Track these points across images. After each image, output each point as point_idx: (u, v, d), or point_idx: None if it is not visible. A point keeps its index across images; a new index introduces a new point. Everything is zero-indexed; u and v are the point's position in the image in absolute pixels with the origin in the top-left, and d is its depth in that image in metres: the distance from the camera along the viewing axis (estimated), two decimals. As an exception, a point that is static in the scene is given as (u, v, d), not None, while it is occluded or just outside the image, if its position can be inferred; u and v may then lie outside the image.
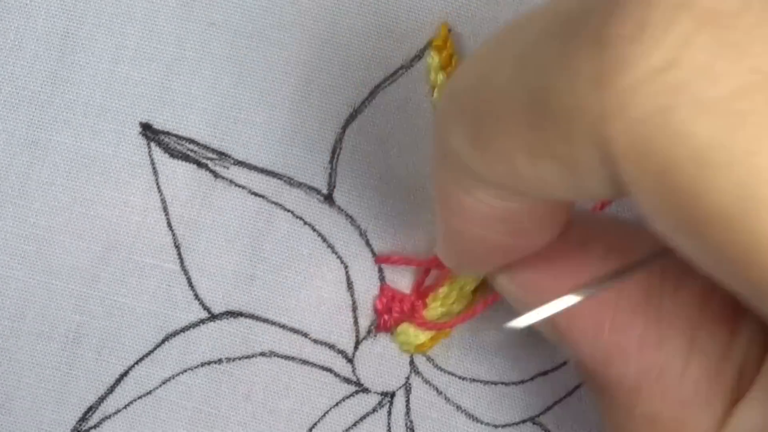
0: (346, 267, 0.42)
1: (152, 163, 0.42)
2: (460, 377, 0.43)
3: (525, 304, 0.36)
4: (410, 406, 0.43)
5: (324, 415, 0.43)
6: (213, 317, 0.42)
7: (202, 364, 0.43)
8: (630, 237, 0.36)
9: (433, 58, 0.42)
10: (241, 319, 0.43)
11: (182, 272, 0.42)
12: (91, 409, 0.43)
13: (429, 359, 0.43)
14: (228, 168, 0.42)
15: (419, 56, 0.42)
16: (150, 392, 0.43)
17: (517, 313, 0.35)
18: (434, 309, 0.42)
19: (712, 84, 0.23)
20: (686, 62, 0.23)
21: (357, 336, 0.43)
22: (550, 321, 0.36)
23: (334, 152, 0.42)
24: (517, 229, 0.33)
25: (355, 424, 0.43)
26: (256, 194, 0.42)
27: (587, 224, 0.37)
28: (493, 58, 0.29)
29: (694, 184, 0.24)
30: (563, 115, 0.26)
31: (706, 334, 0.34)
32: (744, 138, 0.23)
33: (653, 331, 0.34)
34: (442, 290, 0.42)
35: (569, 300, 0.34)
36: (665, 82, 0.24)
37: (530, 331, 0.43)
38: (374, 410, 0.43)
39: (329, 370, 0.43)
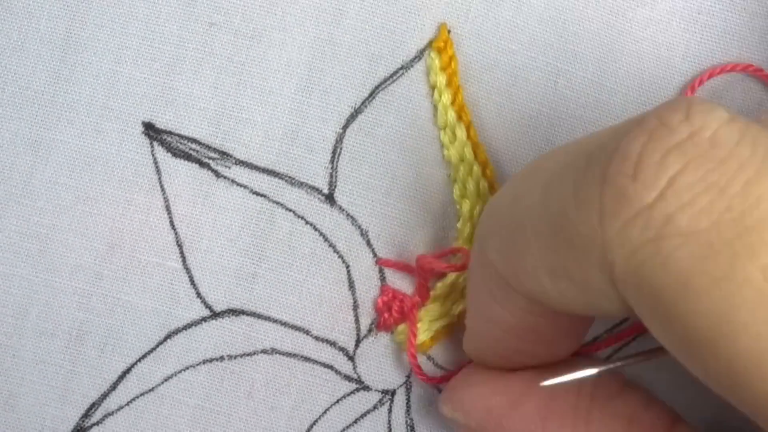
0: (347, 266, 0.43)
1: (155, 162, 0.42)
2: (460, 376, 0.43)
3: (464, 424, 0.39)
4: (411, 404, 0.43)
5: (325, 412, 0.43)
6: (215, 315, 0.43)
7: (204, 362, 0.43)
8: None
9: (433, 59, 0.42)
10: (243, 316, 0.43)
11: (184, 270, 0.43)
12: (93, 406, 0.43)
13: (429, 358, 0.43)
14: (229, 167, 0.42)
15: (419, 56, 0.42)
16: (152, 389, 0.43)
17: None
18: (434, 309, 0.42)
19: (694, 218, 0.26)
20: (672, 198, 0.27)
21: (358, 334, 0.43)
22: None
23: (334, 152, 0.42)
24: (541, 339, 0.36)
25: (355, 422, 0.43)
26: (257, 194, 0.42)
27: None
28: (526, 182, 0.32)
29: (680, 307, 0.27)
30: (577, 243, 0.29)
31: None
32: (717, 266, 0.26)
33: None
34: (443, 291, 0.42)
35: (587, 372, 0.37)
36: (655, 215, 0.27)
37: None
38: (375, 408, 0.43)
39: (330, 367, 0.43)
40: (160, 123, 0.42)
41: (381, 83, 0.42)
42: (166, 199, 0.42)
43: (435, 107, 0.42)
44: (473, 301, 0.37)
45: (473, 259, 0.36)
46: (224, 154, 0.42)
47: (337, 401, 0.43)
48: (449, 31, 0.42)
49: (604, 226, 0.28)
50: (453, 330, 0.43)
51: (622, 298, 0.29)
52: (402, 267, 0.42)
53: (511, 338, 0.36)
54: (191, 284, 0.43)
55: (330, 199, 0.42)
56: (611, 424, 0.36)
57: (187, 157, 0.42)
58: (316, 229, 0.43)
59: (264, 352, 0.43)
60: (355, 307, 0.43)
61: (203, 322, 0.43)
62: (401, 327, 0.42)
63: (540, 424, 0.36)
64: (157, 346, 0.43)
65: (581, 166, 0.29)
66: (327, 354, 0.43)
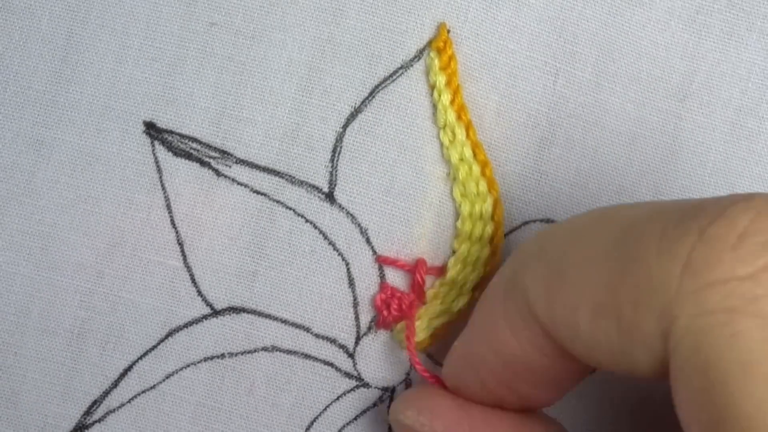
0: (347, 264, 0.43)
1: (156, 162, 0.43)
2: (459, 373, 0.43)
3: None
4: (410, 401, 0.43)
5: (325, 409, 0.43)
6: (216, 313, 0.43)
7: (205, 359, 0.43)
8: None
9: (432, 59, 0.42)
10: (244, 314, 0.43)
11: (185, 269, 0.43)
12: (95, 403, 0.43)
13: (429, 356, 0.43)
14: (230, 166, 0.43)
15: (419, 56, 0.42)
16: (154, 387, 0.43)
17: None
18: (434, 307, 0.42)
19: None
20: (765, 282, 0.27)
21: (358, 331, 0.43)
22: None
23: (334, 151, 0.43)
24: (535, 381, 0.36)
25: (355, 419, 0.43)
26: (257, 192, 0.43)
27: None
28: (594, 223, 0.32)
29: (732, 385, 0.26)
30: (644, 287, 0.29)
31: None
32: None
33: None
34: (443, 289, 0.42)
35: None
36: (742, 289, 0.27)
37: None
38: (375, 405, 0.43)
39: (330, 364, 0.43)
40: (161, 122, 0.42)
41: (381, 83, 0.42)
42: (166, 198, 0.43)
43: (434, 106, 0.42)
44: (481, 324, 0.36)
45: (497, 283, 0.36)
46: (225, 153, 0.42)
47: (338, 398, 0.43)
48: (449, 31, 0.42)
49: (683, 280, 0.28)
50: (452, 328, 0.43)
51: (663, 355, 0.29)
52: (401, 265, 0.43)
53: (508, 373, 0.35)
54: (192, 282, 0.43)
55: (330, 197, 0.43)
56: None
57: (188, 156, 0.42)
58: (316, 227, 0.43)
59: (264, 349, 0.43)
60: (355, 304, 0.43)
61: (204, 320, 0.43)
62: (400, 325, 0.43)
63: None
64: (159, 343, 0.43)
65: (673, 218, 0.29)
66: (327, 351, 0.43)
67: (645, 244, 0.29)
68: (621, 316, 0.30)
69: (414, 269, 0.42)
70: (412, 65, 0.42)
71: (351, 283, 0.43)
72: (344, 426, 0.43)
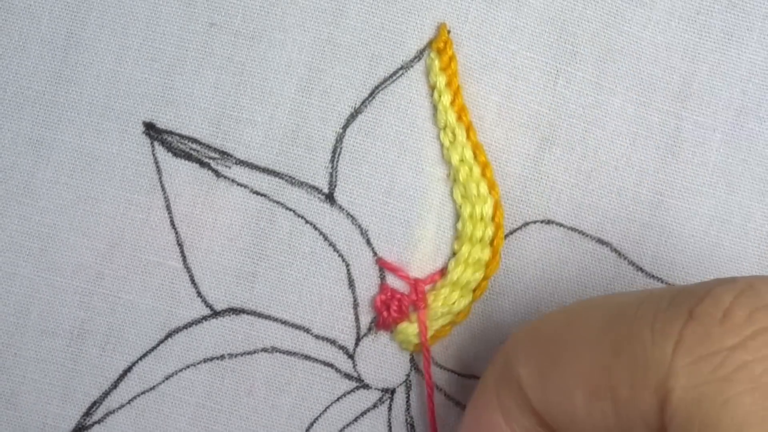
0: (347, 265, 0.43)
1: (155, 162, 0.43)
2: (459, 374, 0.43)
3: None
4: (410, 402, 0.43)
5: (325, 410, 0.43)
6: (215, 314, 0.43)
7: (205, 360, 0.43)
8: None
9: (432, 60, 0.42)
10: (243, 315, 0.43)
11: (185, 270, 0.43)
12: (95, 404, 0.43)
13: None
14: (230, 167, 0.42)
15: (419, 57, 0.42)
16: (153, 388, 0.43)
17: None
18: (435, 309, 0.42)
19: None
20: (752, 349, 0.29)
21: (358, 332, 0.43)
22: None
23: (334, 152, 0.42)
24: None
25: (355, 420, 0.43)
26: (257, 193, 0.43)
27: None
28: (583, 312, 0.35)
29: None
30: (641, 364, 0.31)
31: None
32: None
33: None
34: (444, 290, 0.42)
35: None
36: (732, 358, 0.30)
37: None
38: (375, 406, 0.43)
39: (330, 365, 0.43)
40: (161, 123, 0.42)
41: (381, 83, 0.42)
42: (166, 199, 0.43)
43: (435, 107, 0.42)
44: (476, 418, 0.37)
45: (489, 375, 0.37)
46: (224, 154, 0.42)
47: (337, 399, 0.43)
48: (449, 32, 0.42)
49: (676, 356, 0.30)
50: (452, 329, 0.43)
51: (659, 426, 0.30)
52: (400, 275, 0.43)
53: None
54: (192, 283, 0.43)
55: (330, 198, 0.43)
56: None
57: (188, 156, 0.42)
58: (316, 228, 0.43)
59: (264, 350, 0.43)
60: (355, 305, 0.43)
61: (204, 321, 0.43)
62: (400, 327, 0.43)
63: None
64: (158, 344, 0.43)
65: (663, 301, 0.32)
66: (327, 352, 0.43)
67: (638, 325, 0.31)
68: (617, 396, 0.31)
69: (413, 285, 0.42)
70: (412, 66, 0.42)
71: (351, 284, 0.43)
72: (344, 427, 0.43)
